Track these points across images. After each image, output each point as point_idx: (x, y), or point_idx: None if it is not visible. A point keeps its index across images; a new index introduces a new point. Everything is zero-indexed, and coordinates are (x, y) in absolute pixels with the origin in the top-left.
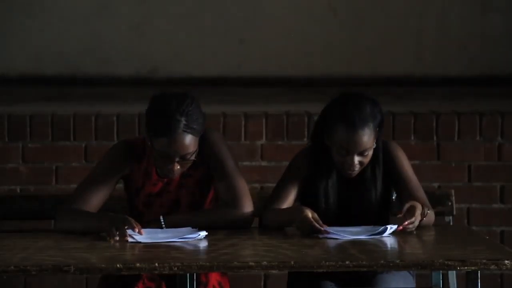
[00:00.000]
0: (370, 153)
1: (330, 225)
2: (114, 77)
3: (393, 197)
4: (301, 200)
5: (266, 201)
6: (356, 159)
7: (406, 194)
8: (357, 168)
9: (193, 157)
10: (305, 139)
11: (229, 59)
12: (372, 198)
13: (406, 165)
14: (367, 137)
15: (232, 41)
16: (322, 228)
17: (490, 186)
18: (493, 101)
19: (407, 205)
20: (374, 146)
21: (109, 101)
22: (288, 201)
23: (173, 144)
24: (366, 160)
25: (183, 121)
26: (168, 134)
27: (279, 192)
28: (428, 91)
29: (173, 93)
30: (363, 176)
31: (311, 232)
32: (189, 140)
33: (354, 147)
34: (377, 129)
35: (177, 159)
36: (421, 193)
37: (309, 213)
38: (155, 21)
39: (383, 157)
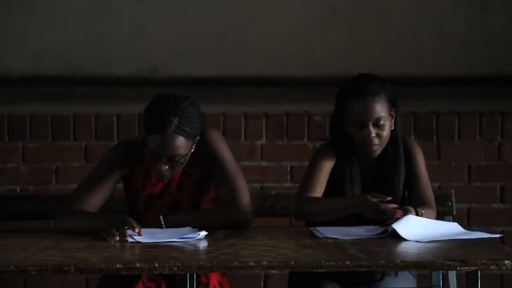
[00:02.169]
0: (386, 125)
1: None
2: (114, 77)
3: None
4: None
5: (297, 193)
6: (372, 130)
7: (415, 190)
8: (376, 142)
9: (183, 160)
10: (305, 139)
11: (229, 59)
12: (395, 191)
13: (421, 163)
14: (379, 105)
15: (232, 41)
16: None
17: (490, 186)
18: (493, 101)
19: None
20: (392, 126)
21: (109, 101)
22: (322, 188)
23: (162, 143)
24: (383, 133)
25: (175, 121)
26: (158, 132)
27: (310, 181)
28: (428, 91)
29: (174, 94)
30: (385, 170)
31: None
32: (179, 142)
33: (368, 116)
34: (390, 104)
35: (165, 159)
36: (429, 192)
37: (371, 198)
38: (155, 21)
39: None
